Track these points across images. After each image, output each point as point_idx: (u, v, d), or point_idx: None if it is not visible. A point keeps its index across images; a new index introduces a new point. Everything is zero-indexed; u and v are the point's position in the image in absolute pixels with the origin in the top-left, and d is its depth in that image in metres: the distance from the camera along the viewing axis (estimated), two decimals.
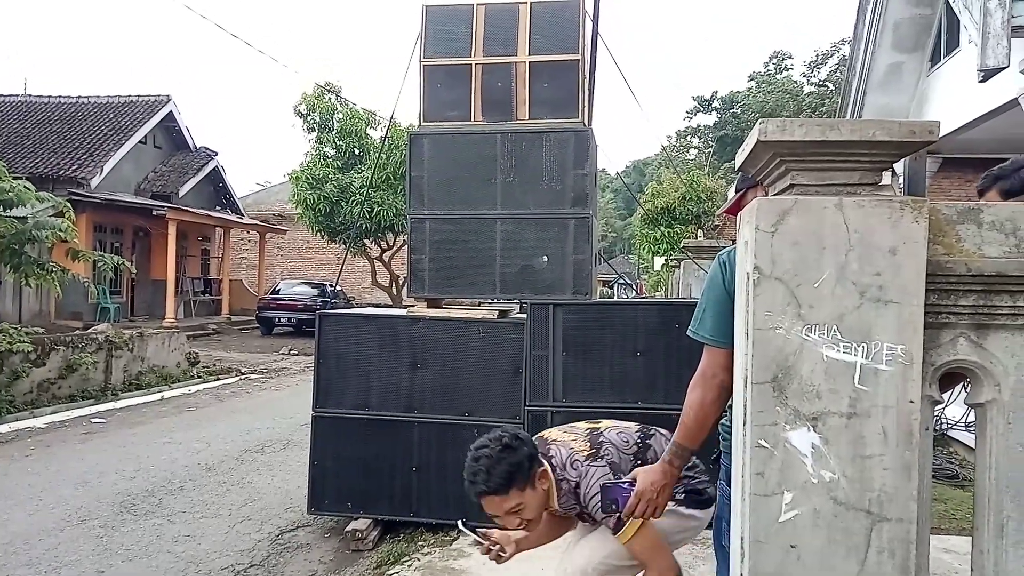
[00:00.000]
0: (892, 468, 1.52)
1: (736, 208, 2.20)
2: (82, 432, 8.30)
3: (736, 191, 2.40)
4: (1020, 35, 5.31)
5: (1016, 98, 6.33)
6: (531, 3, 5.01)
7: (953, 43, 8.66)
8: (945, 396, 1.78)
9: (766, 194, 1.78)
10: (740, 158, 1.72)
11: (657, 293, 24.81)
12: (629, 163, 64.24)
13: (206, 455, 7.27)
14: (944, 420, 6.92)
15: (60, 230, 9.49)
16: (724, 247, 2.35)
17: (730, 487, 1.87)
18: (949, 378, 1.69)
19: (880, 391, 1.53)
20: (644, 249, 26.03)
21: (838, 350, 1.54)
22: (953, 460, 6.54)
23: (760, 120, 1.57)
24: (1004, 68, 5.32)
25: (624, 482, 2.18)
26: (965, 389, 1.70)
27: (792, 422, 1.55)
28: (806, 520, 1.54)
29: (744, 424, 1.60)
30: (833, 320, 1.53)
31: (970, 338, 1.60)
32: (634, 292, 28.28)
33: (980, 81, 5.57)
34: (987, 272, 1.56)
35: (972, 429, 1.74)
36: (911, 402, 1.53)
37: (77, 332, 11.91)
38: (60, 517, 5.36)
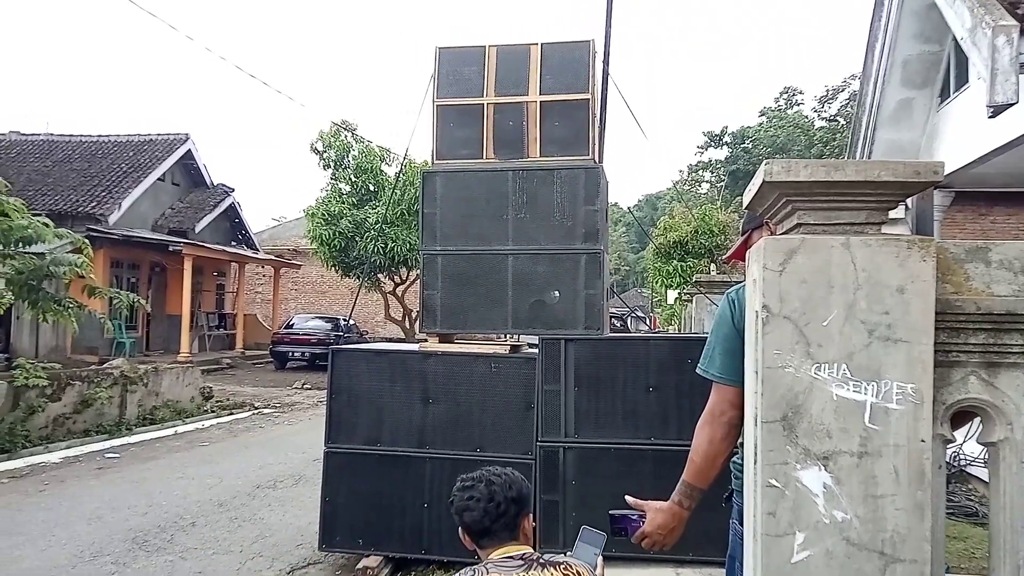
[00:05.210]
0: (904, 508, 1.51)
1: (742, 251, 2.20)
2: (96, 467, 8.32)
3: (741, 233, 2.41)
4: None
5: None
6: (542, 44, 5.10)
7: (962, 79, 8.71)
8: (959, 433, 1.77)
9: (772, 233, 1.80)
10: (747, 197, 1.74)
11: (671, 327, 24.72)
12: (641, 197, 64.48)
13: (218, 490, 7.26)
14: (963, 456, 6.82)
15: (77, 266, 9.62)
16: (736, 282, 2.35)
17: (742, 526, 1.86)
18: (961, 415, 1.68)
19: (891, 430, 1.52)
20: (657, 283, 25.99)
21: (848, 389, 1.54)
22: (973, 497, 6.43)
23: (766, 161, 1.59)
24: (1014, 104, 5.34)
25: (634, 513, 2.15)
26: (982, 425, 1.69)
27: (803, 461, 1.54)
28: (819, 561, 1.53)
29: (755, 463, 1.60)
30: (842, 359, 1.54)
31: (981, 377, 1.60)
32: (647, 326, 28.17)
33: (990, 117, 5.59)
34: (996, 311, 1.57)
35: None
36: (922, 441, 1.52)
37: (93, 367, 11.99)
38: (72, 553, 5.35)
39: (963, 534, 5.39)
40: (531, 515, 2.09)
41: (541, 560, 1.92)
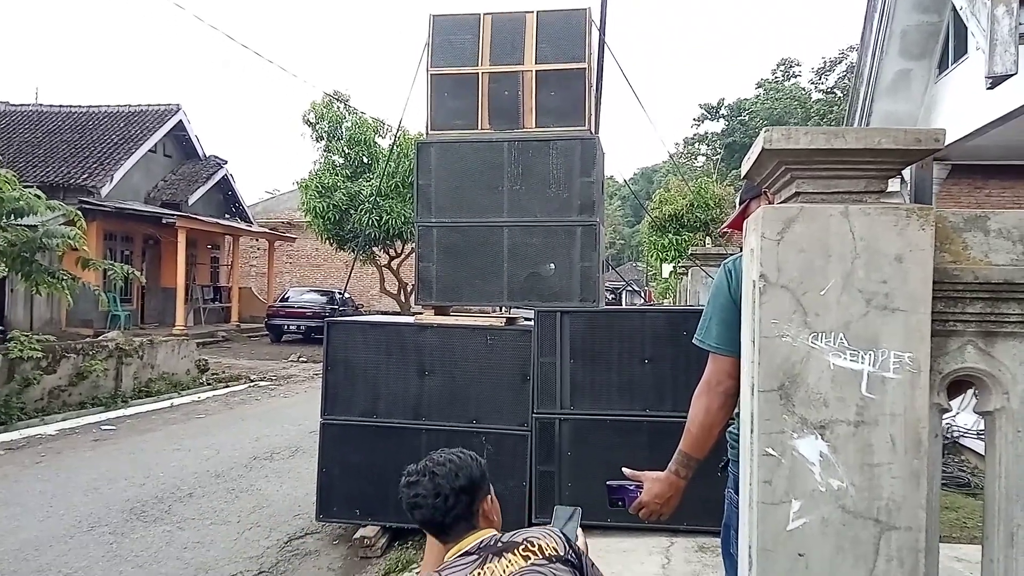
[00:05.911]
0: (900, 476, 1.52)
1: (740, 221, 2.19)
2: (92, 439, 8.34)
3: (739, 202, 2.39)
4: None
5: None
6: (538, 12, 5.03)
7: (961, 50, 8.65)
8: (955, 403, 1.77)
9: (771, 203, 1.79)
10: (745, 166, 1.72)
11: (666, 300, 24.78)
12: (637, 170, 64.22)
13: (215, 462, 7.29)
14: (955, 428, 6.87)
15: (70, 238, 9.55)
16: (731, 254, 2.34)
17: (738, 495, 1.87)
18: (957, 385, 1.68)
19: (888, 399, 1.52)
20: (652, 256, 26.01)
21: (845, 358, 1.53)
22: (965, 468, 6.50)
23: (765, 128, 1.57)
24: (1012, 75, 5.30)
25: (631, 484, 2.17)
26: (976, 396, 1.69)
27: (799, 430, 1.54)
28: (814, 528, 1.53)
29: (751, 432, 1.60)
30: (840, 328, 1.53)
31: (978, 346, 1.60)
32: (642, 299, 28.24)
33: (988, 88, 5.56)
34: (994, 280, 1.56)
35: (983, 437, 1.72)
36: (919, 410, 1.52)
37: (88, 340, 11.98)
38: (70, 524, 5.38)
39: (955, 504, 5.45)
40: (490, 496, 1.94)
41: (498, 545, 1.79)
